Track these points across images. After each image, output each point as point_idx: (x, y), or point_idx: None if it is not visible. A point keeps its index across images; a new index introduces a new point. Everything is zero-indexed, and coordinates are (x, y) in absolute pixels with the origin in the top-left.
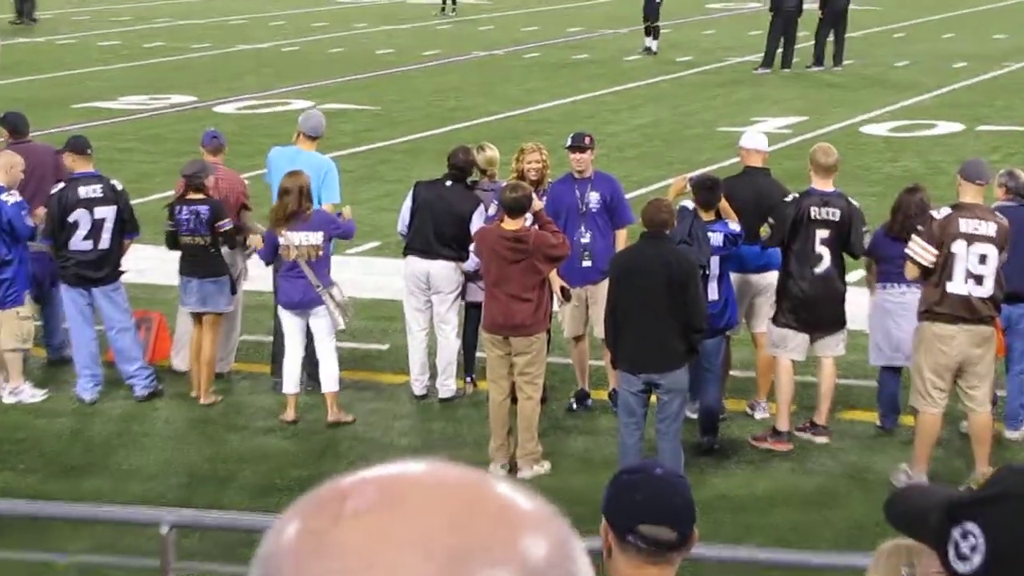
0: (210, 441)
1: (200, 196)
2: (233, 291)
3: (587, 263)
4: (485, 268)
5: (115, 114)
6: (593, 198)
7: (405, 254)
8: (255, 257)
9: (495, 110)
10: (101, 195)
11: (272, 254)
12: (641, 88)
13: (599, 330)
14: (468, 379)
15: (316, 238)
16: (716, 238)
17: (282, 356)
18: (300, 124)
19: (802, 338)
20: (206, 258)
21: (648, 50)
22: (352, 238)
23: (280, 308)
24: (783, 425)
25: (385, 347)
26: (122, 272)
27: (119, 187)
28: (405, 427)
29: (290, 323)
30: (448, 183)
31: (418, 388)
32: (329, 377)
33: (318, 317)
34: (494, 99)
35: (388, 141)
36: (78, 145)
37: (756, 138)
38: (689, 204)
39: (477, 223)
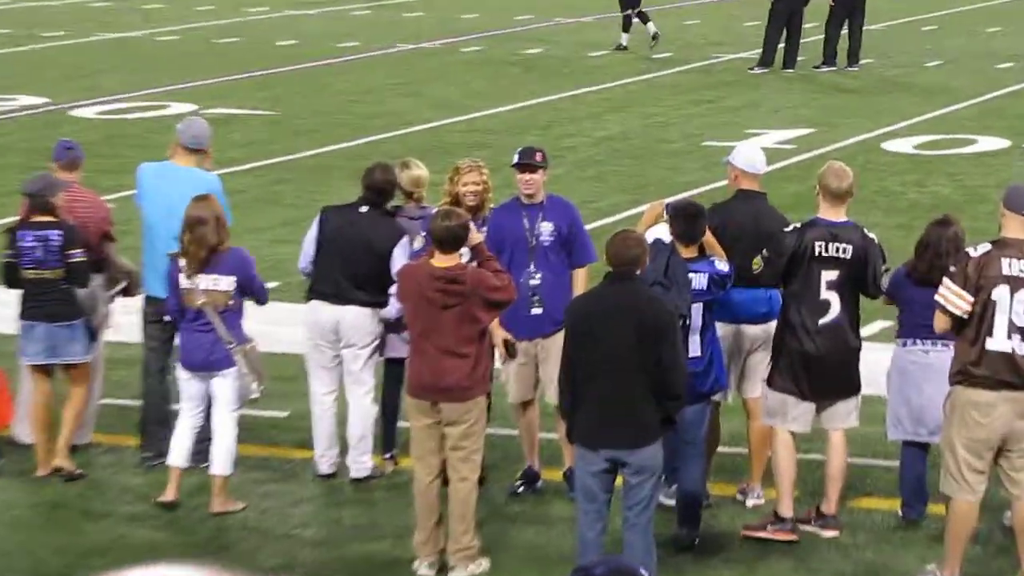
0: (62, 530)
1: (48, 219)
2: (92, 339)
3: (537, 310)
4: (410, 316)
5: None
6: (545, 229)
7: (308, 298)
8: (119, 300)
9: (425, 117)
10: None
11: (178, 303)
12: (607, 91)
13: (551, 394)
14: (388, 455)
15: (228, 283)
16: (699, 280)
17: (154, 424)
18: (178, 133)
19: (805, 406)
20: (56, 296)
21: (655, 37)
22: (265, 303)
23: (179, 368)
24: (786, 510)
25: (284, 414)
26: None
27: None
28: (308, 514)
29: (188, 387)
30: (363, 208)
31: (324, 466)
32: (224, 456)
33: (225, 380)
34: (423, 104)
35: (289, 155)
36: None
37: (750, 154)
38: (665, 236)
39: (400, 260)
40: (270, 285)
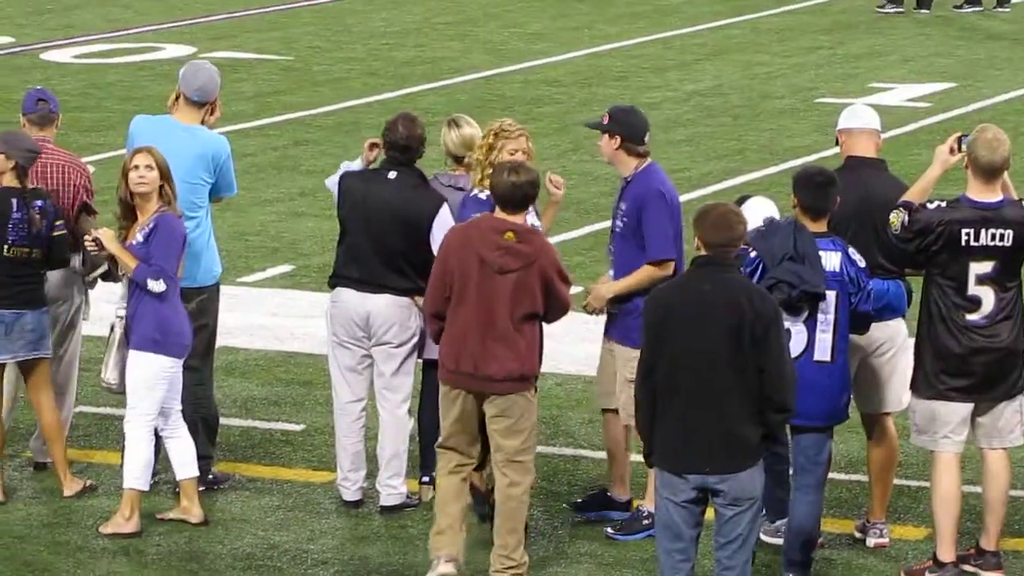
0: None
1: (33, 187)
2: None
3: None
4: (459, 282)
5: None
6: (622, 210)
7: (331, 284)
8: (101, 285)
9: (475, 65)
10: None
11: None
12: (699, 35)
13: (623, 406)
14: (426, 480)
15: None
16: (831, 260)
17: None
18: (181, 82)
19: (960, 416)
20: (38, 281)
21: None
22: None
23: (169, 360)
24: (946, 553)
25: (299, 427)
26: None
27: None
28: (328, 551)
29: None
30: (391, 174)
31: (349, 491)
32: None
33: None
34: (474, 48)
35: (308, 110)
36: None
37: (863, 114)
38: (770, 211)
39: (441, 234)
40: (282, 269)
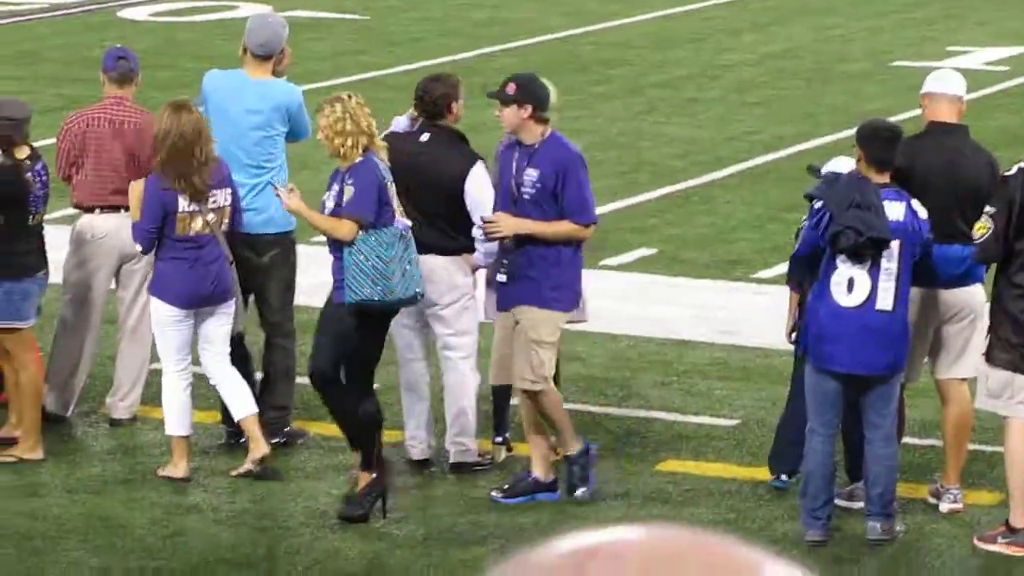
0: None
1: (27, 154)
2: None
3: (501, 277)
4: None
5: None
6: (529, 177)
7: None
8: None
9: (551, 26)
10: None
11: (161, 226)
12: None
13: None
14: (498, 439)
15: (227, 196)
16: (895, 209)
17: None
18: (246, 36)
19: None
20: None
21: None
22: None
23: (166, 308)
24: (1020, 519)
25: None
26: None
27: None
28: (399, 508)
29: (179, 331)
30: (423, 136)
31: (416, 450)
32: (247, 397)
33: (223, 317)
34: (549, 9)
35: (382, 70)
36: None
37: (948, 79)
38: (840, 166)
39: (475, 193)
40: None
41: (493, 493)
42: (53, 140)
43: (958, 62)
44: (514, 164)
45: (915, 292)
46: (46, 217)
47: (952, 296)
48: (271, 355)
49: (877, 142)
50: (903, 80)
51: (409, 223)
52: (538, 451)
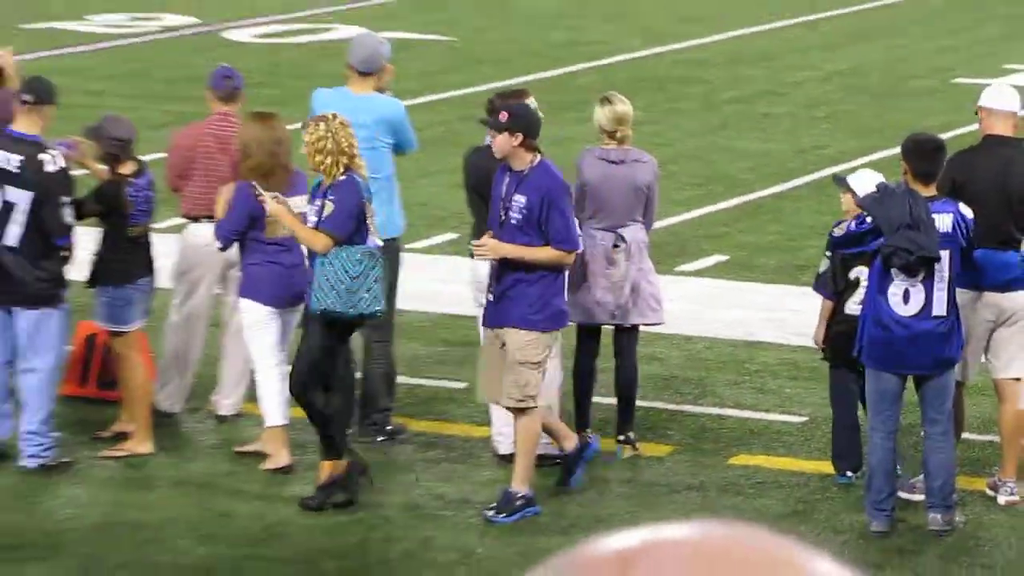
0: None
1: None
2: None
3: (488, 296)
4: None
5: (82, 39)
6: (517, 203)
7: (470, 252)
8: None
9: (630, 46)
10: (16, 170)
11: (244, 230)
12: (841, 18)
13: (506, 390)
14: (622, 438)
15: (301, 203)
16: (944, 221)
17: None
18: (348, 55)
19: None
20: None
21: None
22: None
23: (259, 308)
24: None
25: (462, 385)
26: (51, 291)
27: (50, 164)
28: (490, 500)
29: (271, 330)
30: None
31: (503, 445)
32: (285, 406)
33: (293, 319)
34: (629, 30)
35: (470, 88)
36: (31, 88)
37: (1005, 94)
38: (864, 178)
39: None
40: (448, 237)
41: (487, 513)
42: (160, 154)
43: (1016, 80)
44: (504, 188)
45: (969, 296)
46: (156, 226)
47: (1006, 300)
48: (372, 358)
49: (922, 155)
50: (963, 96)
51: (380, 243)
52: (559, 431)
